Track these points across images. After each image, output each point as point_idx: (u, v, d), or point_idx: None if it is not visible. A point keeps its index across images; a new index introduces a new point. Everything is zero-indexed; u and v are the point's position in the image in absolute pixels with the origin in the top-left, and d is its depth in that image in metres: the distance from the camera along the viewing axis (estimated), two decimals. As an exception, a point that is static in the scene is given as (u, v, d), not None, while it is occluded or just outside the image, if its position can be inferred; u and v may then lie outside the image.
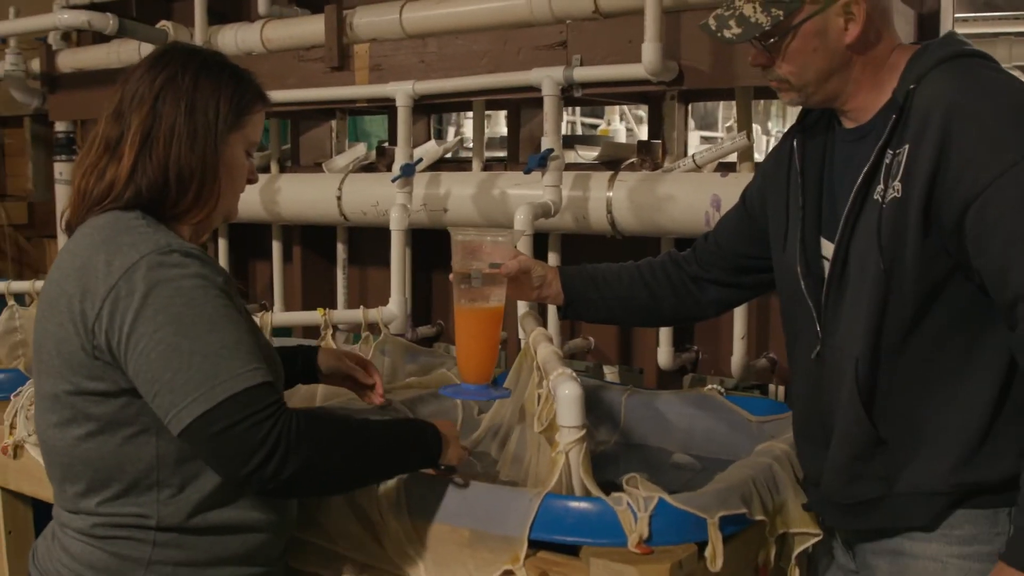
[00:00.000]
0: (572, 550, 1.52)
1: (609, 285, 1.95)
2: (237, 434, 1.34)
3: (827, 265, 1.59)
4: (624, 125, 7.50)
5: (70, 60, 3.63)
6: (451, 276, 1.82)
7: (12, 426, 2.33)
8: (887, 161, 1.48)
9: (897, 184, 1.45)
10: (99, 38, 3.54)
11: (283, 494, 1.50)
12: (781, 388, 2.84)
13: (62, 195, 3.87)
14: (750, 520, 1.61)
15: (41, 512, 2.49)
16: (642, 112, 8.13)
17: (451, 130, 7.09)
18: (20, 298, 3.14)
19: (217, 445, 1.35)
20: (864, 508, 1.59)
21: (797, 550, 1.72)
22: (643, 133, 7.76)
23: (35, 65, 3.78)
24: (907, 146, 1.45)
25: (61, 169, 3.86)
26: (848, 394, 1.54)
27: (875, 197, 1.49)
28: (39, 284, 3.11)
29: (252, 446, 1.34)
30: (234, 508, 1.49)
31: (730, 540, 1.55)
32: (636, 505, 1.50)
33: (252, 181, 1.64)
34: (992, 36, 5.28)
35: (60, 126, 3.85)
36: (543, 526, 1.52)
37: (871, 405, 1.54)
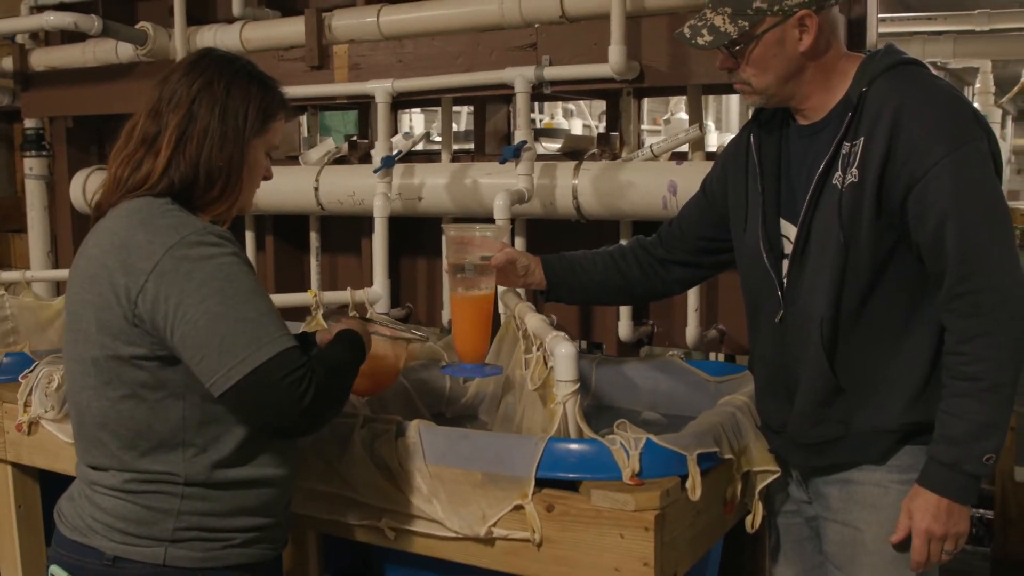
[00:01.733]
0: (572, 486, 1.75)
1: (586, 271, 2.20)
2: (284, 388, 1.55)
3: (786, 243, 1.86)
4: (565, 118, 7.82)
5: (44, 59, 3.74)
6: (445, 268, 2.07)
7: (27, 404, 2.49)
8: (844, 152, 1.74)
9: (855, 171, 1.72)
10: (71, 37, 3.67)
11: (310, 431, 1.72)
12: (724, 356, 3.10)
13: (33, 189, 3.99)
14: (720, 458, 1.86)
15: (47, 487, 2.65)
16: (572, 106, 8.45)
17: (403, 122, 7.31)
18: None
19: (266, 398, 1.55)
20: (826, 447, 1.86)
21: (759, 486, 1.98)
22: (578, 123, 8.09)
23: (5, 64, 3.88)
24: (862, 138, 1.72)
25: (31, 165, 3.99)
26: (814, 350, 1.81)
27: (834, 182, 1.75)
28: (29, 274, 3.27)
29: (295, 397, 1.55)
30: (250, 466, 1.68)
31: (704, 475, 1.79)
32: (628, 444, 1.74)
33: (267, 178, 1.82)
34: (908, 35, 5.67)
35: (30, 123, 3.96)
36: (548, 466, 1.75)
37: (833, 359, 1.81)
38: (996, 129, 5.86)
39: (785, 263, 1.85)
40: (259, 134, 1.73)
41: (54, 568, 1.68)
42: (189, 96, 1.68)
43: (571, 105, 8.36)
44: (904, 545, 1.76)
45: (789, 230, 1.84)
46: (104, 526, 1.64)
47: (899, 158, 1.67)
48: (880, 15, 6.26)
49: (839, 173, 1.74)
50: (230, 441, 1.65)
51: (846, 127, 1.74)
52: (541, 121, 7.79)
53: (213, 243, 1.61)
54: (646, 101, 10.14)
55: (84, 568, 1.64)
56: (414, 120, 6.68)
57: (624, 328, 2.89)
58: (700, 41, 1.79)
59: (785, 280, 1.85)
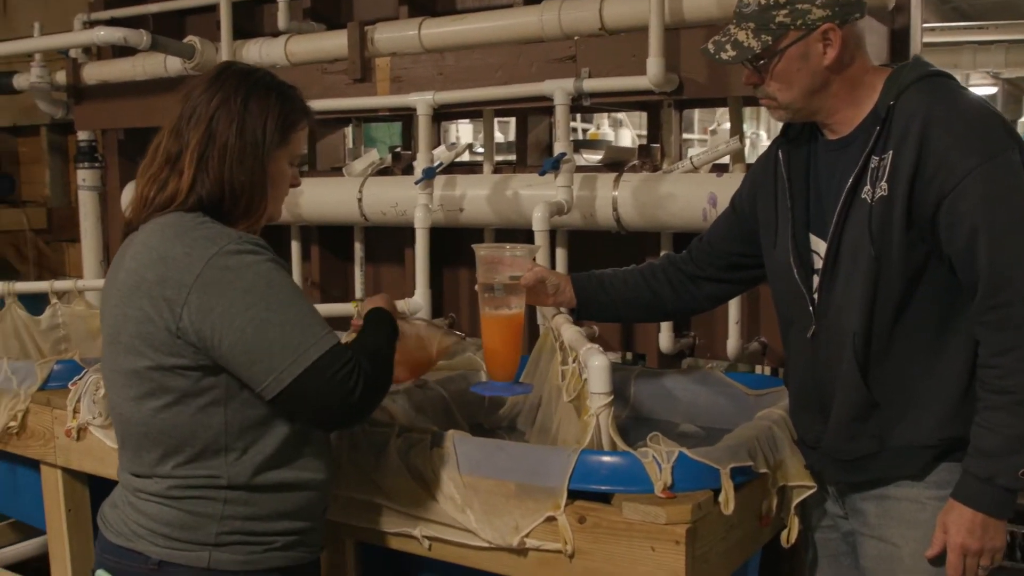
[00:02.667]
0: (604, 498, 1.75)
1: (616, 288, 2.21)
2: (335, 384, 1.61)
3: (816, 258, 1.85)
4: (611, 128, 7.81)
5: (96, 72, 3.83)
6: (476, 287, 2.09)
7: (76, 410, 2.55)
8: (872, 166, 1.74)
9: (884, 184, 1.71)
10: (121, 51, 3.75)
11: (359, 422, 1.80)
12: (769, 368, 3.09)
13: (86, 200, 4.08)
14: (755, 472, 1.85)
15: (96, 491, 2.71)
16: (623, 116, 8.43)
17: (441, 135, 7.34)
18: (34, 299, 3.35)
19: (318, 396, 1.62)
20: (862, 462, 1.85)
21: (795, 501, 1.97)
22: (625, 134, 8.08)
23: (59, 77, 3.98)
24: (891, 152, 1.71)
25: (84, 176, 4.08)
26: (847, 364, 1.80)
27: (863, 196, 1.75)
28: (81, 283, 3.34)
29: (346, 392, 1.62)
30: (289, 469, 1.71)
31: (738, 489, 1.78)
32: (660, 457, 1.74)
33: (295, 186, 1.85)
34: (958, 45, 5.60)
35: (83, 135, 4.06)
36: (580, 477, 1.75)
37: (866, 373, 1.80)
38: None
39: (816, 278, 1.84)
40: (280, 146, 1.75)
41: (100, 572, 1.71)
42: (208, 113, 1.70)
43: (619, 115, 8.35)
44: (940, 560, 1.74)
45: (819, 245, 1.84)
46: (149, 531, 1.68)
47: (929, 171, 1.66)
48: (930, 25, 6.20)
49: (868, 187, 1.73)
50: (270, 444, 1.68)
51: (874, 141, 1.73)
52: (587, 132, 7.80)
53: (251, 251, 1.64)
54: (697, 111, 10.17)
55: (129, 572, 1.68)
56: (461, 130, 6.73)
57: (665, 340, 2.89)
58: (724, 56, 1.79)
59: (816, 295, 1.84)
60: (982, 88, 8.60)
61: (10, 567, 3.18)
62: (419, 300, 2.87)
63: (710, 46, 1.83)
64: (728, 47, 1.79)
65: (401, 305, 2.78)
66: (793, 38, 1.75)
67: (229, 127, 1.69)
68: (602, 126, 7.71)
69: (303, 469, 1.73)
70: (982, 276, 1.64)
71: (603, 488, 1.75)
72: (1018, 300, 1.63)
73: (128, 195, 3.75)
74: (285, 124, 1.74)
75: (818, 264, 1.85)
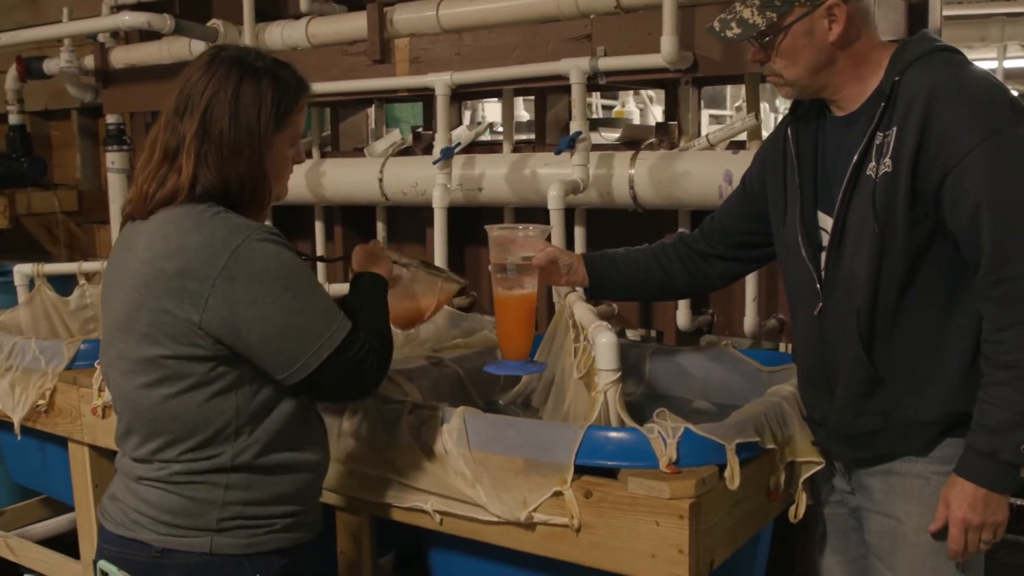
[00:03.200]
0: (610, 473, 1.78)
1: (628, 267, 2.22)
2: (356, 364, 1.72)
3: (824, 235, 1.86)
4: (637, 106, 7.78)
5: (123, 57, 3.87)
6: (490, 267, 2.11)
7: (101, 389, 2.61)
8: (877, 142, 1.74)
9: (888, 160, 1.71)
10: (148, 35, 3.80)
11: (372, 393, 1.90)
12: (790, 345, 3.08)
13: (115, 183, 4.14)
14: (762, 448, 1.87)
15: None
16: (653, 93, 8.39)
17: (467, 114, 7.36)
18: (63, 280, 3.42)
19: (343, 376, 1.72)
20: (867, 438, 1.86)
21: (803, 477, 1.98)
22: (654, 112, 8.03)
23: (88, 61, 4.03)
24: (895, 128, 1.71)
25: (113, 159, 4.13)
26: (852, 341, 1.81)
27: (868, 173, 1.75)
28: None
29: (365, 369, 1.74)
30: (289, 451, 1.74)
31: (745, 464, 1.81)
32: (666, 433, 1.76)
33: (299, 162, 1.85)
34: (985, 17, 5.51)
35: (111, 119, 4.11)
36: (587, 453, 1.78)
37: (871, 350, 1.80)
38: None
39: (823, 256, 1.85)
40: (277, 131, 1.74)
41: (103, 564, 1.73)
42: (202, 104, 1.69)
43: (650, 92, 8.31)
44: (943, 535, 1.75)
45: (826, 222, 1.84)
46: (150, 520, 1.70)
47: (932, 147, 1.66)
48: (949, -1, 6.09)
49: (873, 163, 1.73)
50: (273, 426, 1.72)
51: (879, 117, 1.72)
52: (612, 111, 7.77)
53: (272, 241, 1.67)
54: (729, 87, 10.09)
55: (132, 561, 1.70)
56: (488, 109, 6.74)
57: (683, 317, 2.89)
58: (729, 34, 1.79)
59: (823, 272, 1.84)
60: (1017, 60, 8.45)
61: (41, 542, 3.26)
62: (438, 279, 2.90)
63: (716, 24, 1.83)
64: (733, 24, 1.80)
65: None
66: (798, 14, 1.75)
67: (223, 118, 1.68)
68: (628, 103, 7.68)
69: (301, 451, 1.77)
70: (985, 252, 1.64)
71: (609, 463, 1.78)
72: (1022, 275, 1.62)
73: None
74: (280, 109, 1.73)
75: (825, 241, 1.85)
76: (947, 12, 5.42)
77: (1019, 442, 1.65)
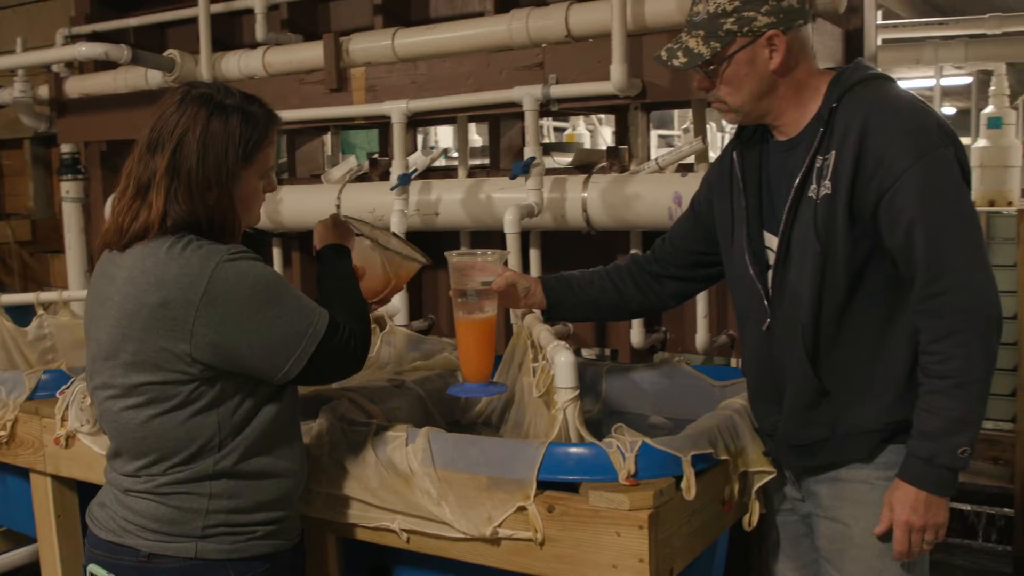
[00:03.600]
0: (572, 487, 1.84)
1: (584, 289, 2.30)
2: (340, 347, 1.84)
3: (770, 254, 1.95)
4: (587, 128, 7.91)
5: (78, 86, 3.90)
6: (450, 292, 2.18)
7: (64, 419, 2.62)
8: (817, 165, 1.83)
9: (828, 183, 1.81)
10: (103, 65, 3.82)
11: (359, 369, 1.95)
12: (740, 360, 3.18)
13: (70, 212, 4.15)
14: (716, 459, 1.95)
15: (84, 497, 2.77)
16: (603, 116, 8.52)
17: (419, 138, 7.42)
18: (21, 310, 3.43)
19: (331, 361, 1.84)
20: (815, 448, 1.94)
21: (756, 486, 2.06)
22: (604, 134, 8.16)
23: (42, 91, 4.04)
24: (833, 152, 1.81)
25: (68, 188, 4.15)
26: (798, 355, 1.90)
27: (809, 195, 1.84)
28: (66, 294, 3.41)
29: (350, 350, 1.86)
30: (268, 456, 1.83)
31: (701, 476, 1.88)
32: (624, 447, 1.83)
33: (271, 191, 1.93)
34: (919, 40, 5.72)
35: (66, 148, 4.12)
36: (548, 469, 1.84)
37: (816, 363, 1.89)
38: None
39: (770, 273, 1.93)
40: (245, 167, 1.82)
41: (92, 567, 1.82)
42: (172, 141, 1.76)
43: (600, 116, 8.45)
44: (888, 537, 1.84)
45: (772, 242, 1.93)
46: (138, 527, 1.79)
47: (868, 169, 1.76)
48: (891, 22, 6.29)
49: (814, 185, 1.82)
50: (252, 434, 1.81)
51: (819, 141, 1.82)
52: (563, 133, 7.89)
53: (241, 259, 1.76)
54: (676, 110, 10.31)
55: (120, 565, 1.79)
56: (440, 134, 6.81)
57: (636, 335, 2.98)
58: (676, 63, 1.88)
59: (770, 289, 1.93)
60: (955, 79, 8.74)
61: (2, 575, 3.24)
62: (396, 303, 2.95)
63: (663, 53, 1.92)
64: (680, 54, 1.89)
65: (379, 309, 2.87)
66: (740, 44, 1.84)
67: (191, 156, 1.76)
68: (578, 127, 7.82)
69: (280, 457, 1.86)
70: (920, 267, 1.74)
71: (570, 478, 1.84)
72: (953, 288, 1.72)
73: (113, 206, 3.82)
74: (248, 146, 1.81)
75: (771, 260, 1.94)
76: (883, 36, 5.63)
77: (955, 447, 1.74)
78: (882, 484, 1.86)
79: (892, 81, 1.89)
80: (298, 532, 1.96)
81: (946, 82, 7.98)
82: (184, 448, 1.76)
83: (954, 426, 1.73)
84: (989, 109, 6.00)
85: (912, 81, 7.66)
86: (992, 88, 6.00)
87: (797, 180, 1.85)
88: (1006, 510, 4.35)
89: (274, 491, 1.85)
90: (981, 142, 5.96)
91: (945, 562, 4.23)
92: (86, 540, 1.88)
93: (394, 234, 2.29)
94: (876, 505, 1.86)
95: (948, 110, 12.05)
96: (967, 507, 4.47)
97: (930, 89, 6.99)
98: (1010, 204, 5.56)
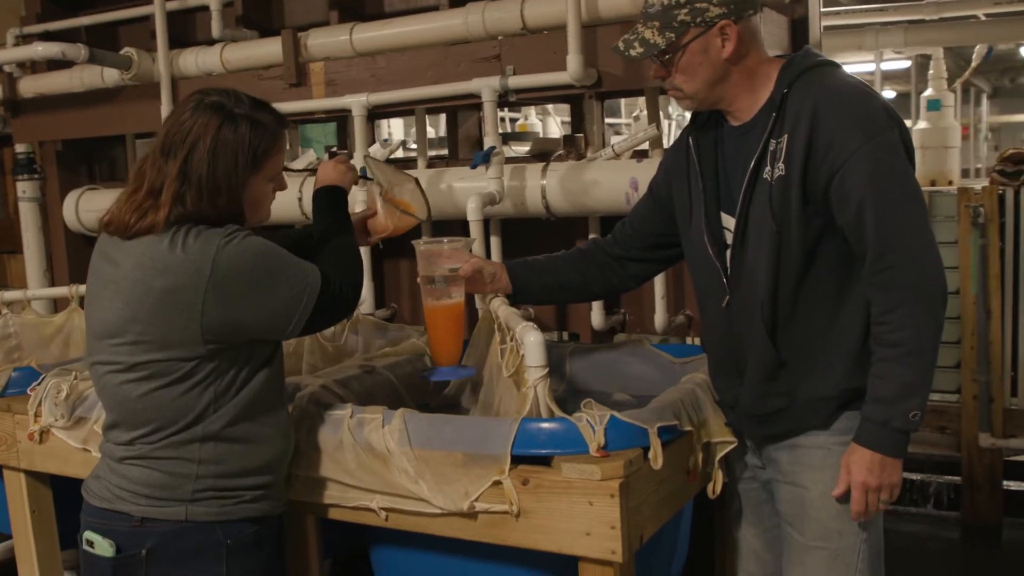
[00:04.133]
0: (545, 461, 1.92)
1: (548, 273, 2.39)
2: (335, 297, 1.99)
3: (728, 234, 2.04)
4: (538, 117, 8.03)
5: (32, 86, 3.89)
6: (419, 280, 2.26)
7: (37, 414, 2.65)
8: (771, 148, 1.93)
9: (781, 165, 1.91)
10: (58, 64, 3.82)
11: (354, 310, 2.14)
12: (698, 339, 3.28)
13: (26, 211, 4.14)
14: (681, 431, 2.04)
15: (59, 492, 2.80)
16: (552, 106, 8.63)
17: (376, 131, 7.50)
18: None
19: (329, 310, 2.00)
20: (774, 416, 2.05)
21: (719, 455, 2.16)
22: (557, 122, 8.28)
23: (-6, 92, 4.04)
24: (786, 135, 1.90)
25: (24, 187, 4.13)
26: (757, 329, 1.99)
27: (764, 176, 1.94)
28: (30, 292, 3.43)
29: (343, 298, 2.02)
30: (254, 424, 1.95)
31: (667, 446, 1.97)
32: (593, 421, 1.91)
33: (281, 189, 2.05)
34: (860, 27, 5.89)
35: (21, 148, 4.11)
36: (522, 444, 1.92)
37: (774, 336, 1.99)
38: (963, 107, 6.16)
39: (728, 253, 2.03)
40: (255, 171, 1.93)
41: (88, 534, 1.92)
42: (184, 149, 1.88)
43: (548, 106, 8.56)
44: (845, 499, 1.94)
45: (729, 222, 2.02)
46: (131, 493, 1.91)
47: (819, 151, 1.85)
48: (835, 8, 6.46)
49: (768, 168, 1.92)
50: (241, 401, 1.93)
51: (772, 125, 1.92)
52: (516, 123, 8.00)
53: (237, 236, 1.87)
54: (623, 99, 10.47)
55: (115, 530, 1.90)
56: (392, 127, 6.87)
57: (597, 318, 3.06)
58: (632, 53, 1.96)
59: (729, 268, 2.03)
60: (895, 63, 8.96)
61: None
62: (363, 293, 3.01)
63: (620, 44, 2.00)
64: (636, 44, 1.97)
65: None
66: (694, 34, 1.93)
67: (201, 164, 1.87)
68: (530, 116, 7.93)
69: (266, 425, 1.98)
70: (870, 243, 1.84)
71: (543, 452, 1.92)
72: (901, 263, 1.83)
73: (71, 204, 3.84)
74: (256, 153, 1.92)
75: (729, 240, 2.03)
76: (826, 23, 5.79)
77: (907, 411, 1.85)
78: (838, 449, 1.97)
79: (839, 67, 1.99)
80: (284, 500, 2.07)
81: (886, 66, 8.21)
82: (180, 418, 1.88)
83: (905, 391, 1.84)
84: (928, 92, 6.20)
85: (854, 66, 7.88)
86: (931, 72, 6.19)
87: (752, 163, 1.94)
88: (954, 478, 4.52)
89: (259, 457, 1.96)
90: (921, 124, 6.15)
91: (895, 529, 4.38)
92: (81, 513, 1.97)
93: (416, 180, 2.43)
94: (833, 469, 1.96)
95: (889, 93, 12.33)
96: (917, 476, 4.63)
97: (871, 73, 7.19)
98: (951, 183, 5.76)
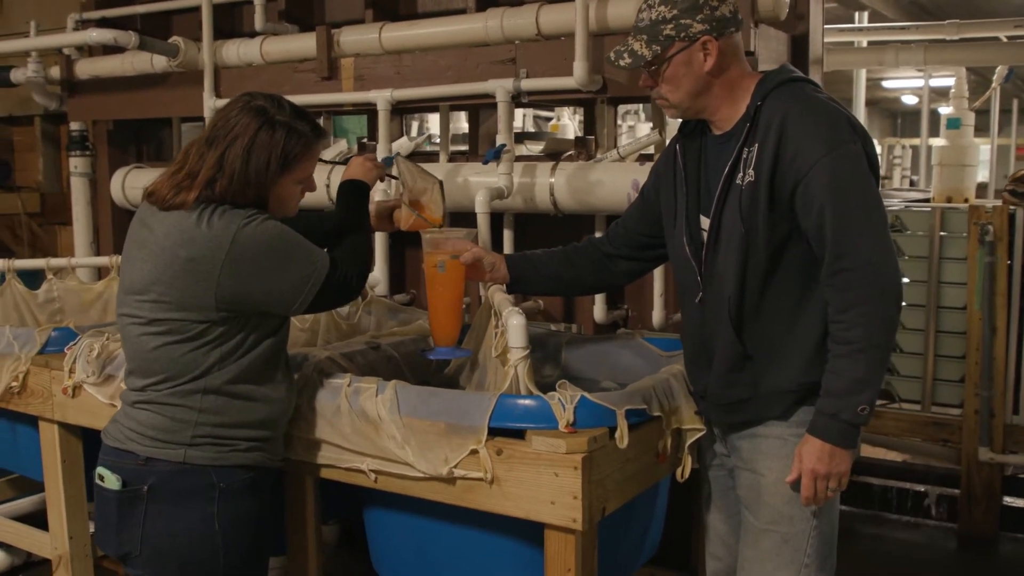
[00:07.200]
0: (519, 434, 2.09)
1: (544, 266, 2.56)
2: (340, 283, 2.20)
3: (704, 235, 2.19)
4: (570, 119, 8.20)
5: (87, 68, 4.13)
6: (423, 265, 2.43)
7: (71, 371, 2.87)
8: (744, 156, 2.08)
9: (751, 171, 2.06)
10: (112, 49, 4.06)
11: (362, 288, 2.31)
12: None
13: (77, 186, 4.40)
14: (650, 415, 2.20)
15: (88, 445, 3.02)
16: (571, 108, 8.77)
17: (415, 125, 7.72)
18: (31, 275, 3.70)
19: (334, 294, 2.20)
20: (738, 406, 2.19)
21: (688, 442, 2.32)
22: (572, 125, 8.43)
23: (53, 71, 4.29)
24: (757, 144, 2.05)
25: (76, 163, 4.39)
26: (725, 324, 2.14)
27: (737, 182, 2.09)
28: (74, 260, 3.67)
29: (347, 285, 2.22)
30: (254, 385, 2.16)
31: (635, 428, 2.13)
32: (564, 400, 2.08)
33: (310, 191, 2.28)
34: (882, 44, 5.95)
35: (75, 126, 4.37)
36: (498, 417, 2.09)
37: (740, 331, 2.14)
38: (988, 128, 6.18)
39: (703, 252, 2.18)
40: (284, 173, 2.15)
41: (100, 470, 2.15)
42: (223, 144, 2.11)
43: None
44: (797, 486, 2.08)
45: (706, 224, 2.17)
46: (138, 435, 2.13)
47: (786, 160, 2.00)
48: (830, 26, 6.49)
49: (740, 174, 2.07)
50: (245, 363, 2.14)
51: (745, 135, 2.06)
52: (549, 123, 8.18)
53: (257, 219, 2.08)
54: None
55: (123, 467, 2.12)
56: (431, 121, 7.07)
57: (599, 312, 3.23)
58: (622, 63, 2.13)
59: (703, 267, 2.18)
60: (944, 80, 8.88)
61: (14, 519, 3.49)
62: (377, 275, 3.22)
63: (611, 55, 2.17)
64: (626, 55, 2.13)
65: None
66: (678, 48, 2.09)
67: (236, 160, 2.09)
68: (562, 117, 8.10)
69: (265, 386, 2.19)
70: (828, 247, 1.98)
71: (518, 425, 2.09)
72: (857, 266, 1.97)
73: (118, 181, 4.08)
74: (287, 158, 2.14)
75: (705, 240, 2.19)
76: (845, 39, 5.88)
77: (856, 405, 1.98)
78: (794, 440, 2.11)
79: (812, 83, 2.14)
80: (280, 454, 2.28)
81: (935, 83, 8.18)
82: (187, 372, 2.10)
83: (855, 386, 1.98)
84: (948, 110, 6.23)
85: (903, 81, 7.81)
86: (952, 90, 6.23)
87: (726, 169, 2.09)
88: (953, 490, 4.60)
89: (255, 413, 2.16)
90: (940, 141, 6.18)
91: (895, 538, 4.49)
92: (100, 452, 2.20)
93: (440, 183, 2.61)
94: (788, 458, 2.10)
95: (945, 109, 12.28)
96: (920, 487, 4.72)
97: (919, 88, 7.20)
98: (966, 201, 5.80)
